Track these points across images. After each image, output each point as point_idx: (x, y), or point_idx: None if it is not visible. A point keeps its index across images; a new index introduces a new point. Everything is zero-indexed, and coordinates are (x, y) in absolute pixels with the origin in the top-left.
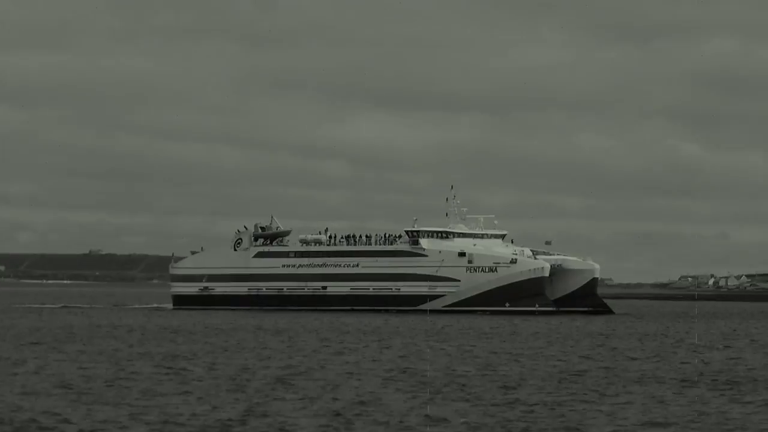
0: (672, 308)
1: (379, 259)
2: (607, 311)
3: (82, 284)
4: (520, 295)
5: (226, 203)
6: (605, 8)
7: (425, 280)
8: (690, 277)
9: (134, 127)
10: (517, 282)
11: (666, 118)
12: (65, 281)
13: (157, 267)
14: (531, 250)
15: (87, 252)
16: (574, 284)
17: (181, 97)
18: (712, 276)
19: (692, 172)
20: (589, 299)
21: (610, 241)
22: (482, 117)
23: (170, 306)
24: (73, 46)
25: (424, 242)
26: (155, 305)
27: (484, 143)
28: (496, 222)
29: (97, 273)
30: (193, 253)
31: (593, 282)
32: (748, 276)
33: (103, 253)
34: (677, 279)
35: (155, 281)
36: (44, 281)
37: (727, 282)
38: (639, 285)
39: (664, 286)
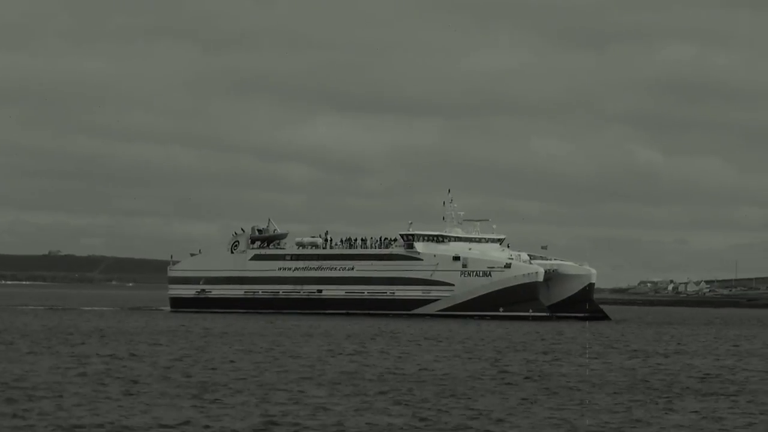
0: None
1: (374, 262)
2: (604, 317)
3: (40, 285)
4: (514, 300)
5: (184, 205)
6: (561, 13)
7: (419, 284)
8: (649, 282)
9: (92, 128)
10: (511, 287)
11: (624, 123)
12: (24, 282)
13: (115, 268)
14: (528, 255)
15: (46, 253)
16: (570, 289)
17: (138, 98)
18: (671, 282)
19: (650, 177)
20: (585, 305)
21: (569, 246)
22: (440, 121)
23: (168, 308)
24: (29, 47)
25: (419, 246)
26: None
27: (442, 148)
28: (494, 226)
29: (56, 274)
30: (192, 255)
31: (590, 287)
32: (707, 282)
33: (63, 254)
34: (636, 284)
35: (114, 282)
36: (2, 282)
37: (686, 288)
38: (598, 290)
39: (623, 291)
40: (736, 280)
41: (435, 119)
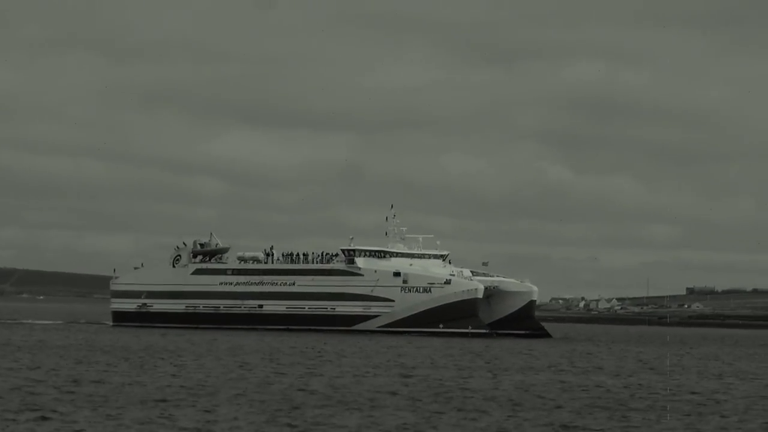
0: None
1: (315, 277)
2: (545, 335)
3: None
4: (454, 317)
5: (95, 218)
6: (469, 30)
7: (360, 300)
8: (561, 299)
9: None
10: (450, 303)
11: (534, 140)
12: None
13: (26, 281)
14: (471, 271)
15: None
16: (512, 306)
17: (46, 110)
18: (582, 299)
19: (561, 195)
20: (526, 322)
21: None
22: (350, 136)
23: (110, 323)
24: None
25: (359, 261)
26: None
27: (353, 162)
28: (438, 242)
29: None
30: (135, 269)
31: (531, 304)
32: (618, 299)
33: None
34: (548, 301)
35: (25, 295)
36: None
37: (597, 305)
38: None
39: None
40: (647, 297)
41: (346, 134)
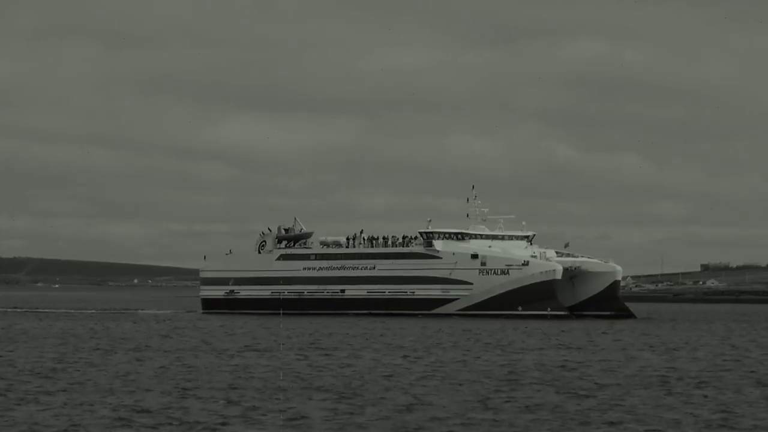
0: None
1: (394, 261)
2: (630, 315)
3: None
4: (532, 299)
5: (104, 206)
6: (467, 10)
7: (439, 283)
8: None
9: (3, 129)
10: (528, 285)
11: (539, 120)
12: None
13: (41, 269)
14: (555, 252)
15: None
16: (596, 287)
17: (48, 98)
18: None
19: (569, 174)
20: (611, 303)
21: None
22: (355, 119)
23: (200, 310)
24: None
25: (437, 244)
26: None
27: (359, 146)
28: (524, 223)
29: None
30: (226, 255)
31: (615, 285)
32: (633, 277)
33: None
34: None
35: (40, 284)
36: None
37: None
38: None
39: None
40: (662, 275)
41: (351, 117)
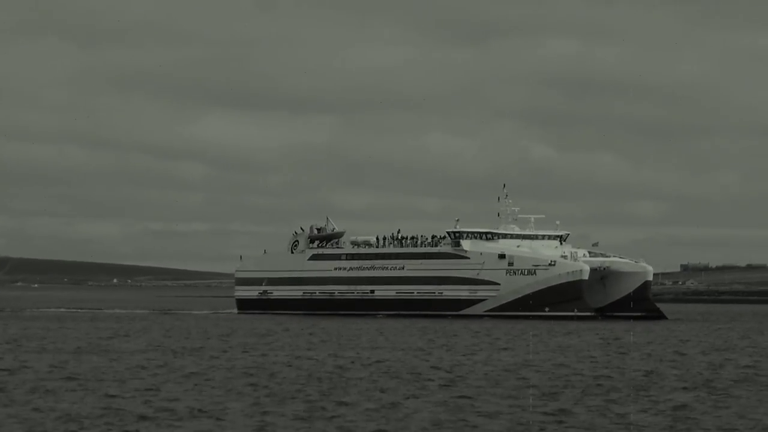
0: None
1: (422, 261)
2: (661, 317)
3: None
4: (559, 300)
5: (82, 205)
6: (442, 9)
7: (466, 284)
8: None
9: None
10: (555, 285)
11: (515, 119)
12: None
13: (20, 269)
14: (587, 252)
15: None
16: (627, 288)
17: (21, 96)
18: None
19: (545, 173)
20: (642, 303)
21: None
22: (331, 118)
23: (235, 310)
24: None
25: (465, 244)
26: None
27: (336, 144)
28: (557, 222)
29: None
30: (264, 254)
31: (646, 285)
32: None
33: None
34: None
35: (20, 284)
36: None
37: None
38: None
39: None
40: None
41: (326, 116)
